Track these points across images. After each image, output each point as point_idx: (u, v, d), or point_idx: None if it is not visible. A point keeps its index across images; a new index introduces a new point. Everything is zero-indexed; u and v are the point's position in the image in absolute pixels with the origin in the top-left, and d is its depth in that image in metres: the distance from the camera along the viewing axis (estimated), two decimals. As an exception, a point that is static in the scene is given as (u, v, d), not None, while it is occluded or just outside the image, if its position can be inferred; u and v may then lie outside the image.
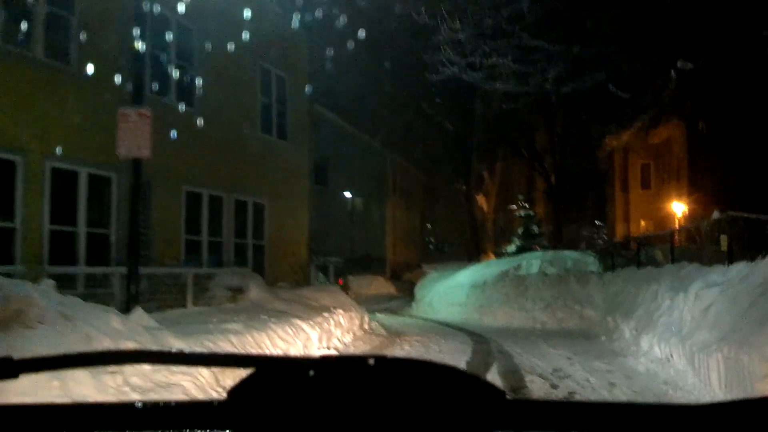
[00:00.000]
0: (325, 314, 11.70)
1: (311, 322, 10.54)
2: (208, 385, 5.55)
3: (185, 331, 7.19)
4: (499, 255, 32.36)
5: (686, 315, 7.88)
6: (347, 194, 39.01)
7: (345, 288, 35.49)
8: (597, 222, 53.02)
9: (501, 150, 34.06)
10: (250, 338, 7.74)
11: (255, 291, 12.28)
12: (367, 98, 41.25)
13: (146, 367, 4.88)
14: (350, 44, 19.94)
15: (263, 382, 0.74)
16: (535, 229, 26.78)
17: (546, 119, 33.67)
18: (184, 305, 10.73)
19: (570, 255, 19.59)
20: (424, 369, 0.75)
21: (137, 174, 8.67)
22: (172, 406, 0.78)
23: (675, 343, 7.93)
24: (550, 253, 20.13)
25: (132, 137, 8.40)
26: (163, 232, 13.05)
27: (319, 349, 10.19)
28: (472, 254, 34.42)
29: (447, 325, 16.85)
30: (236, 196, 15.33)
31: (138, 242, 8.89)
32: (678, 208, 35.21)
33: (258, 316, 9.96)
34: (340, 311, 12.44)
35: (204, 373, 5.55)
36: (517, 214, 28.21)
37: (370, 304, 29.48)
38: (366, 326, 14.24)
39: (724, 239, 8.44)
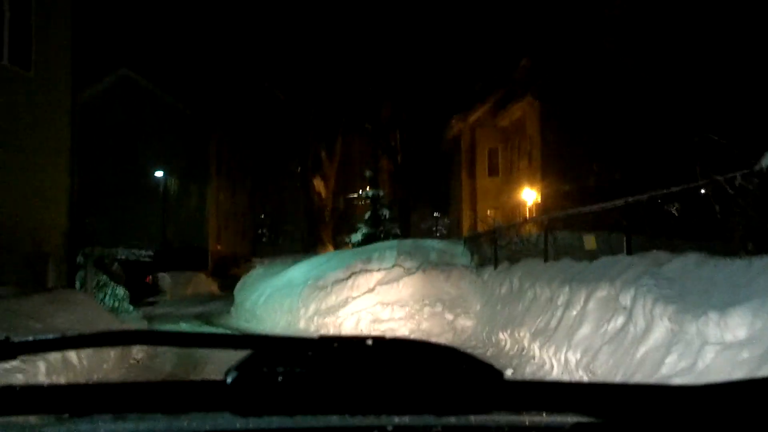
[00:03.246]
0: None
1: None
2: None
3: None
4: (339, 246, 27.78)
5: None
6: (159, 174, 32.56)
7: (153, 288, 29.22)
8: (435, 213, 50.07)
9: (342, 124, 29.43)
10: None
11: None
12: (186, 61, 34.94)
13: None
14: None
15: (260, 362, 0.72)
16: (386, 213, 22.20)
17: (392, 89, 29.55)
18: None
19: (433, 244, 15.22)
20: (423, 349, 0.73)
21: None
22: (169, 386, 0.75)
23: None
24: (407, 243, 15.66)
25: None
26: None
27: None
28: (308, 246, 29.54)
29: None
30: None
31: None
32: (529, 195, 32.56)
33: None
34: (74, 341, 7.00)
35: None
36: (363, 194, 23.55)
37: (182, 309, 23.71)
38: (135, 358, 8.87)
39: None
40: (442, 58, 32.72)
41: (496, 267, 11.95)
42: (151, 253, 30.94)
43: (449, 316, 12.00)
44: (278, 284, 16.46)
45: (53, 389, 0.77)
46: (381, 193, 22.79)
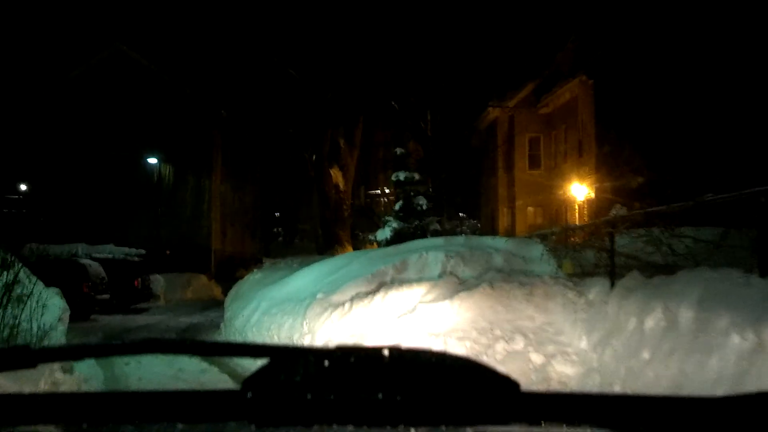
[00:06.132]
0: None
1: None
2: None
3: None
4: (359, 246, 23.38)
5: None
6: (152, 161, 28.31)
7: (143, 291, 24.90)
8: (461, 214, 45.57)
9: (363, 106, 25.08)
10: None
11: None
12: (188, 35, 30.74)
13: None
14: None
15: (278, 372, 0.72)
16: (422, 203, 17.53)
17: (422, 67, 25.16)
18: None
19: (496, 244, 10.65)
20: (440, 360, 0.73)
21: None
22: (187, 395, 0.76)
23: None
24: (458, 240, 11.15)
25: None
26: None
27: None
28: (324, 246, 25.18)
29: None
30: None
31: None
32: (579, 191, 27.85)
33: None
34: None
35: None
36: (392, 177, 18.98)
37: (173, 319, 19.51)
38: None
39: None
40: (477, 34, 28.31)
41: (613, 283, 7.45)
42: (142, 251, 26.79)
43: (537, 358, 7.52)
44: (278, 295, 12.09)
45: (72, 398, 0.76)
46: (416, 177, 18.17)
